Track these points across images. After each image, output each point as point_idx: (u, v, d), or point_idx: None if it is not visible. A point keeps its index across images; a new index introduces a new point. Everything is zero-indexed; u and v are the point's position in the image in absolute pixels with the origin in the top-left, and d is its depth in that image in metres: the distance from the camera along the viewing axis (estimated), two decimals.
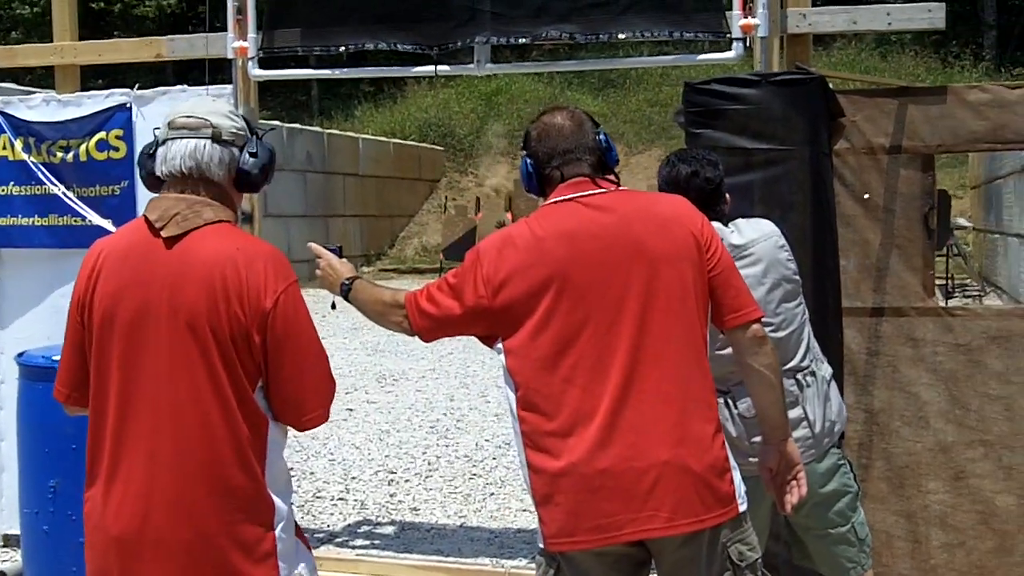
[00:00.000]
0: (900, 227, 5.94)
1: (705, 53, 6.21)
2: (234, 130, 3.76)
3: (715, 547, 3.85)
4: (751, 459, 4.46)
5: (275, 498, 3.67)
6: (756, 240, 4.84)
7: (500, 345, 3.97)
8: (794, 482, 4.23)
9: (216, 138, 3.70)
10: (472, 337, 4.10)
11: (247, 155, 3.76)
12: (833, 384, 5.00)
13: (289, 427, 3.75)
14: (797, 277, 4.91)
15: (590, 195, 3.99)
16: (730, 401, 4.72)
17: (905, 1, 5.93)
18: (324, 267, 4.47)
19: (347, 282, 4.36)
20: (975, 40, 41.03)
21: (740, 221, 4.94)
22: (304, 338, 3.66)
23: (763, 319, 4.09)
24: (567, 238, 3.90)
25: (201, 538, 3.53)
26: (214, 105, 3.85)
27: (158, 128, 3.82)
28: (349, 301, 4.38)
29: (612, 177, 4.10)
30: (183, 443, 3.53)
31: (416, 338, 4.18)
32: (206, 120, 3.72)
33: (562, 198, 4.02)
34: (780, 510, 4.33)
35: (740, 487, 3.91)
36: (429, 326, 4.09)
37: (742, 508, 3.90)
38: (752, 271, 4.71)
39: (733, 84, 5.70)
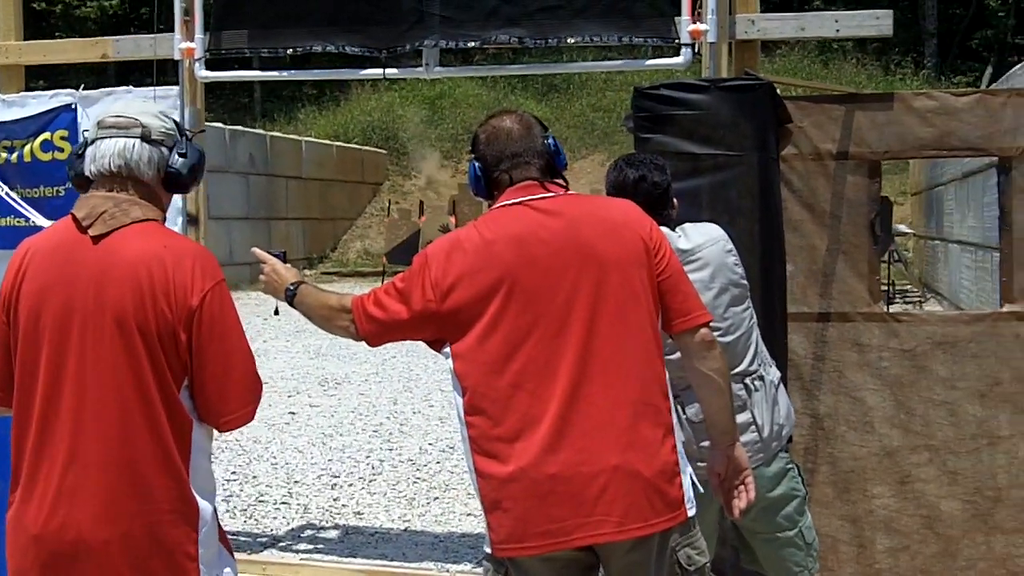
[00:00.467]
0: (847, 233, 5.97)
1: (654, 58, 6.20)
2: (164, 130, 3.75)
3: (664, 551, 3.85)
4: (699, 464, 4.46)
5: (200, 500, 3.63)
6: (703, 245, 4.84)
7: (447, 349, 3.95)
8: (742, 487, 4.23)
9: (146, 137, 3.70)
10: (417, 341, 4.07)
11: (176, 155, 3.75)
12: (781, 388, 5.01)
13: (214, 428, 3.73)
14: (744, 281, 4.91)
15: (539, 199, 3.98)
16: (678, 406, 4.71)
17: (853, 8, 5.96)
18: (268, 272, 4.42)
19: (292, 287, 4.31)
20: (916, 48, 41.43)
21: (687, 225, 4.94)
22: (230, 337, 3.64)
23: (711, 323, 4.10)
24: (516, 242, 3.88)
25: (121, 539, 3.50)
26: (144, 105, 3.88)
27: (87, 130, 3.83)
28: (294, 306, 4.32)
29: (561, 181, 4.08)
30: (105, 443, 3.50)
31: (362, 343, 4.15)
32: (136, 120, 3.72)
33: (510, 202, 4.00)
34: (728, 515, 4.33)
35: (689, 491, 3.90)
36: (376, 331, 4.06)
37: (691, 512, 3.89)
38: (699, 275, 4.71)
39: (682, 89, 5.70)
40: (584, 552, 3.83)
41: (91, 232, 3.59)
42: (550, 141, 4.10)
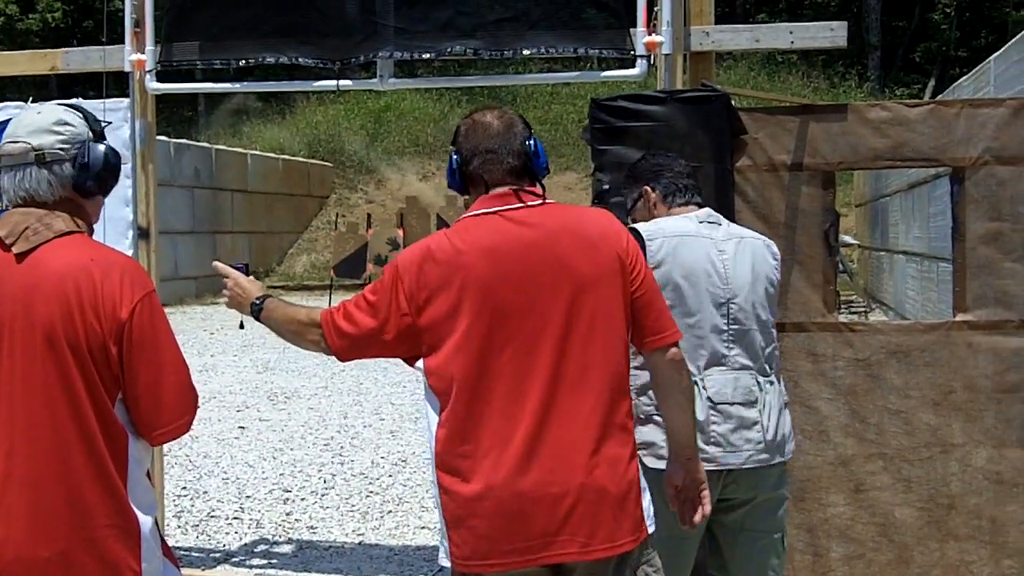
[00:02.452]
0: (801, 243, 5.99)
1: (608, 70, 6.21)
2: (59, 145, 3.61)
3: (622, 570, 3.83)
4: (708, 447, 4.54)
5: (139, 514, 3.57)
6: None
7: (421, 364, 3.88)
8: (699, 500, 4.20)
9: (40, 161, 3.57)
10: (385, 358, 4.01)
11: (79, 168, 3.62)
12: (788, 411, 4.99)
13: (147, 441, 3.63)
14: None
15: (514, 209, 3.89)
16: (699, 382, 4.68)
17: (799, 21, 5.99)
18: (232, 287, 4.32)
19: (258, 301, 4.22)
20: (861, 61, 41.74)
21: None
22: (162, 349, 3.56)
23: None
24: (490, 254, 3.80)
25: (61, 556, 3.44)
26: (38, 118, 3.67)
27: None
28: (260, 321, 4.22)
29: (537, 189, 3.98)
30: (38, 461, 3.44)
31: (332, 358, 4.05)
32: (27, 143, 3.58)
33: (484, 211, 3.91)
34: (683, 526, 4.30)
35: (650, 509, 3.89)
36: (347, 346, 3.96)
37: (651, 530, 3.89)
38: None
39: (639, 101, 5.71)
40: (547, 570, 3.80)
41: (15, 250, 3.50)
42: (531, 142, 4.02)
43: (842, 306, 23.16)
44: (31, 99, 7.06)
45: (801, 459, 5.98)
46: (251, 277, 4.38)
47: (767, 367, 4.81)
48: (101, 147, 3.68)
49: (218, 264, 4.43)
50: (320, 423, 13.35)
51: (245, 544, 8.47)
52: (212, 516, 9.27)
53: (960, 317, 5.91)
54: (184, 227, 30.60)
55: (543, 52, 6.09)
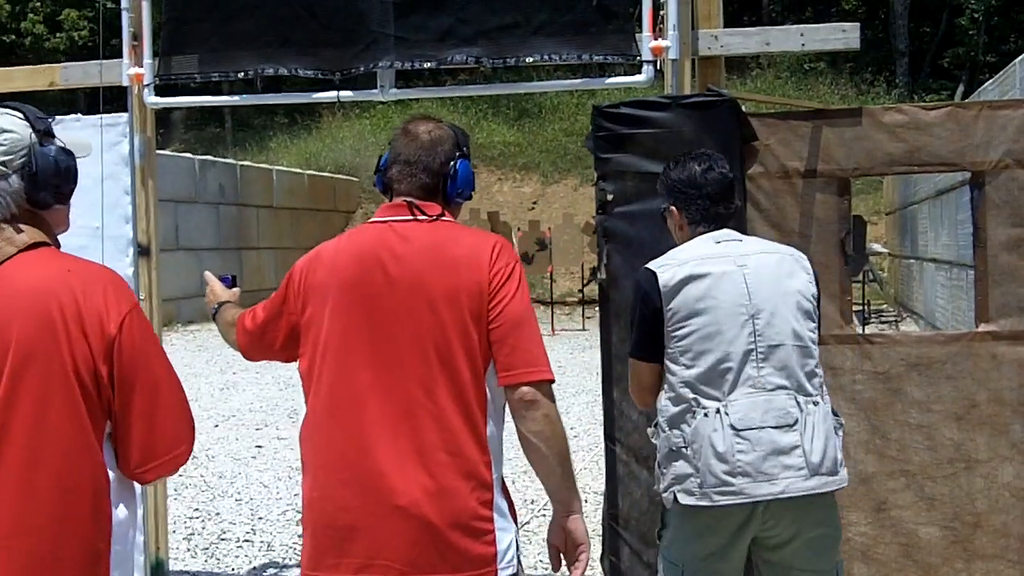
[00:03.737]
0: (816, 253, 5.76)
1: (616, 76, 6.03)
2: (1, 158, 3.23)
3: None
4: (735, 478, 4.26)
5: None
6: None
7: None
8: (578, 562, 3.91)
9: None
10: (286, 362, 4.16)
11: (28, 180, 3.23)
12: (840, 435, 4.65)
13: (138, 479, 3.27)
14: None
15: (401, 221, 3.88)
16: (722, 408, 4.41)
17: (819, 21, 5.80)
18: (208, 293, 4.66)
19: (216, 306, 4.52)
20: (888, 67, 41.56)
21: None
22: (155, 367, 3.23)
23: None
24: (358, 262, 3.83)
25: None
26: None
27: None
28: (216, 323, 4.52)
29: (434, 207, 3.92)
30: (18, 508, 3.07)
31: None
32: None
33: (377, 219, 3.94)
34: None
35: (509, 552, 3.77)
36: (248, 342, 4.18)
37: (504, 573, 3.74)
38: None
39: (643, 107, 5.55)
40: None
41: None
42: (452, 164, 3.95)
43: (872, 315, 22.98)
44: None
45: None
46: (235, 289, 4.67)
47: (807, 386, 4.46)
48: (51, 150, 3.30)
49: (206, 273, 4.80)
50: None
51: (255, 568, 8.32)
52: (223, 539, 9.12)
53: (983, 327, 5.69)
54: (209, 243, 30.56)
55: (546, 59, 5.93)
